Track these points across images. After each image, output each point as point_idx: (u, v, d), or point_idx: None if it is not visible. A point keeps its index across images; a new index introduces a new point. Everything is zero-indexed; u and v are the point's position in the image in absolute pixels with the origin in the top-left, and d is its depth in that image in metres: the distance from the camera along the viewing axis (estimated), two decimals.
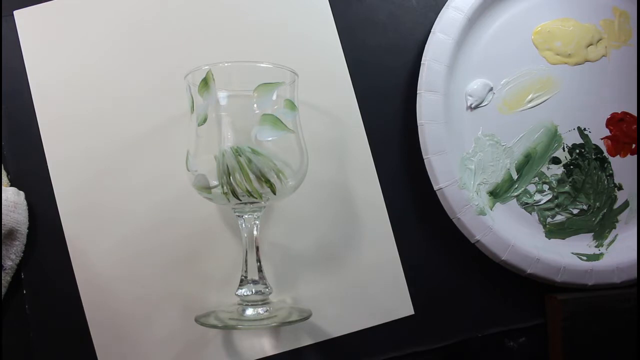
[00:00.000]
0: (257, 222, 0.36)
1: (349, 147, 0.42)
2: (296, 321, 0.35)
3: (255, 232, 0.36)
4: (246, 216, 0.36)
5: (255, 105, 0.33)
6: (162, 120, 0.41)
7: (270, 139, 0.34)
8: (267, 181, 0.33)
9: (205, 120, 0.34)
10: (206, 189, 0.34)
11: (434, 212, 0.41)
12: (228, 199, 0.34)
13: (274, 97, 0.34)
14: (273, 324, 0.35)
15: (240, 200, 0.34)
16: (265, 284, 0.37)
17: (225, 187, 0.33)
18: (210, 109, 0.34)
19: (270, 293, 0.37)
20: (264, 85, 0.33)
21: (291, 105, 0.35)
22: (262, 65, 0.34)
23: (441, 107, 0.40)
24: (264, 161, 0.33)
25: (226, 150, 0.33)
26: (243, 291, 0.36)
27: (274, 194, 0.34)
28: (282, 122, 0.34)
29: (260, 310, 0.36)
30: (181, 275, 0.40)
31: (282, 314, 0.36)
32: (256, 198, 0.34)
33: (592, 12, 0.44)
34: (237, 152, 0.33)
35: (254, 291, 0.36)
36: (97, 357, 0.39)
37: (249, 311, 0.35)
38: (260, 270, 0.37)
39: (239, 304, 0.36)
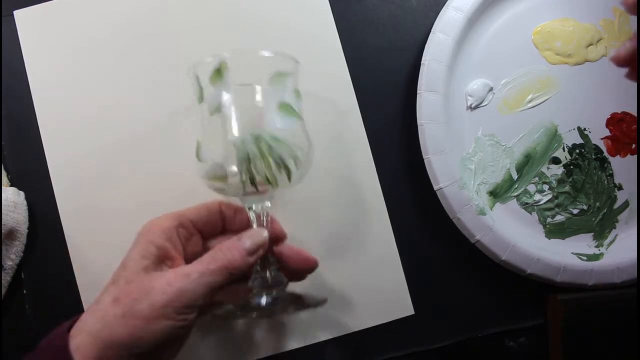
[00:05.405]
0: (268, 210, 0.36)
1: (349, 147, 0.42)
2: (312, 305, 0.35)
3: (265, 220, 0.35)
4: (254, 206, 0.35)
5: (270, 94, 0.33)
6: (163, 120, 0.41)
7: (286, 126, 0.34)
8: (286, 167, 0.33)
9: (218, 109, 0.33)
10: (222, 177, 0.33)
11: (434, 212, 0.41)
12: (244, 188, 0.33)
13: (287, 86, 0.34)
14: (290, 310, 0.34)
15: (257, 189, 0.33)
16: (279, 272, 0.36)
17: (244, 175, 0.32)
18: (224, 97, 0.33)
19: (283, 282, 0.36)
20: (279, 74, 0.33)
21: (298, 93, 0.35)
22: (265, 54, 0.34)
23: (441, 107, 0.40)
24: (283, 148, 0.33)
25: (246, 137, 0.32)
26: (257, 282, 0.35)
27: (289, 180, 0.34)
28: (294, 109, 0.34)
29: (274, 294, 0.35)
30: None
31: (297, 302, 0.36)
32: (272, 185, 0.33)
33: (592, 12, 0.44)
34: (258, 139, 0.32)
35: (269, 280, 0.35)
36: None
37: (263, 299, 0.34)
38: (273, 261, 0.36)
39: (253, 293, 0.35)
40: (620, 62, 0.34)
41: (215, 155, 0.33)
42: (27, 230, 0.40)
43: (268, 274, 0.35)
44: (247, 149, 0.32)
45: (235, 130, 0.33)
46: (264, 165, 0.32)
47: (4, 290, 0.39)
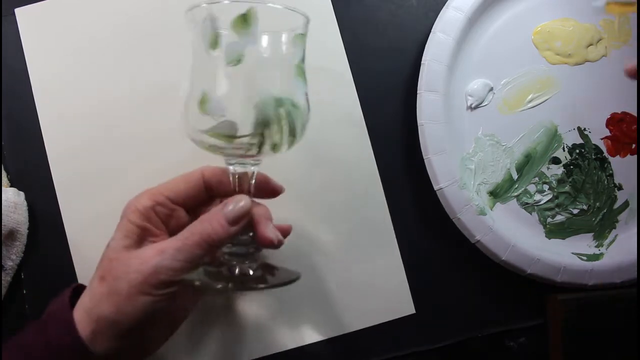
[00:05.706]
0: (253, 174, 0.34)
1: (351, 147, 0.42)
2: (284, 282, 0.33)
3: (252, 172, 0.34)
4: (239, 169, 0.33)
5: (290, 55, 0.31)
6: (164, 120, 0.41)
7: (301, 91, 0.32)
8: (293, 135, 0.31)
9: (239, 60, 0.30)
10: (229, 137, 0.30)
11: (434, 212, 0.41)
12: (247, 151, 0.31)
13: (303, 49, 0.32)
14: (260, 285, 0.33)
15: (259, 154, 0.31)
16: (253, 241, 0.33)
17: (255, 138, 0.30)
18: (247, 49, 0.30)
19: (257, 251, 0.34)
20: (299, 35, 0.32)
21: (304, 60, 0.34)
22: (293, 10, 0.31)
23: (441, 107, 0.40)
24: (298, 115, 0.31)
25: (268, 99, 0.30)
26: (234, 249, 0.33)
27: (289, 148, 0.32)
28: (305, 75, 0.33)
29: (247, 264, 0.33)
30: None
31: (269, 274, 0.34)
32: (276, 152, 0.31)
33: (592, 12, 0.44)
34: (279, 102, 0.30)
35: (245, 247, 0.33)
36: None
37: (236, 270, 0.33)
38: (248, 230, 0.33)
39: (226, 261, 0.34)
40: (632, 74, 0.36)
41: (231, 113, 0.30)
42: (28, 231, 0.40)
43: (243, 240, 0.33)
44: (267, 112, 0.30)
45: (257, 89, 0.30)
46: (277, 131, 0.31)
47: (4, 290, 0.39)
